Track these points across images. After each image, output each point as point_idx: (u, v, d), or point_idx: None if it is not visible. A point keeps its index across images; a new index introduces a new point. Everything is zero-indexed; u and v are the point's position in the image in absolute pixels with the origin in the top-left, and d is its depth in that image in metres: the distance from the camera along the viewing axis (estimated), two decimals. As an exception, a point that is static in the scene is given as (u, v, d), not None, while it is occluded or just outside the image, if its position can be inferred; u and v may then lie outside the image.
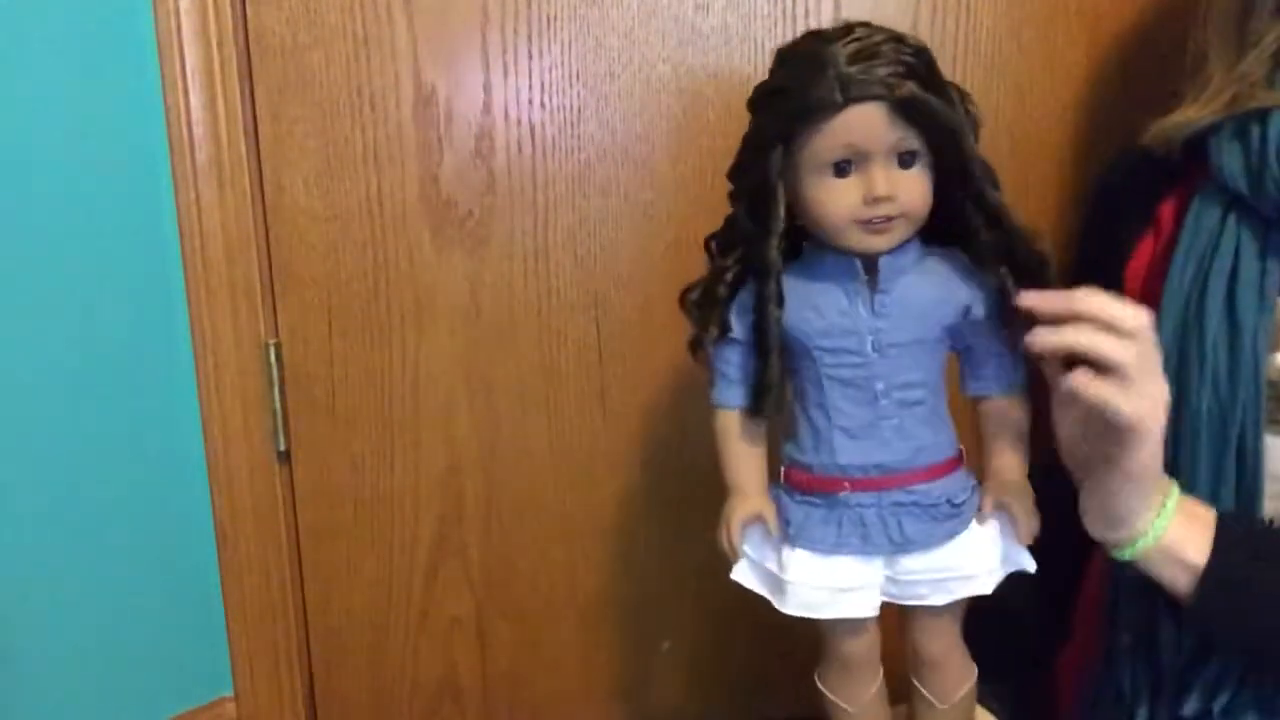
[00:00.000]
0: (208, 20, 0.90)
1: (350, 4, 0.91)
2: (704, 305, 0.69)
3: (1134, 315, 0.59)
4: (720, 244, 0.71)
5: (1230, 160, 0.70)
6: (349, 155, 0.95)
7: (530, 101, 0.95)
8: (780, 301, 0.66)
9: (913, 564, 0.68)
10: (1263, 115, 0.69)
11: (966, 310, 0.67)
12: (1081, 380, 0.59)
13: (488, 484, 1.04)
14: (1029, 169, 0.99)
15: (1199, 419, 0.68)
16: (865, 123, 0.61)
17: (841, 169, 0.63)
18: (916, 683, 0.75)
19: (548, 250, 0.98)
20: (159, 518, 1.01)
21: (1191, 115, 0.72)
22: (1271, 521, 0.68)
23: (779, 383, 0.67)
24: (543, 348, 1.01)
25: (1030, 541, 0.68)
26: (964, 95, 0.65)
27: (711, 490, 1.03)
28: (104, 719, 1.01)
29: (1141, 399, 0.59)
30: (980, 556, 0.68)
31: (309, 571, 1.06)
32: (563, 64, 0.94)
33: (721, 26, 0.95)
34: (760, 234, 0.65)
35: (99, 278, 0.93)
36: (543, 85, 0.95)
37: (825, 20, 0.95)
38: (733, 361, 0.70)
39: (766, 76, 0.67)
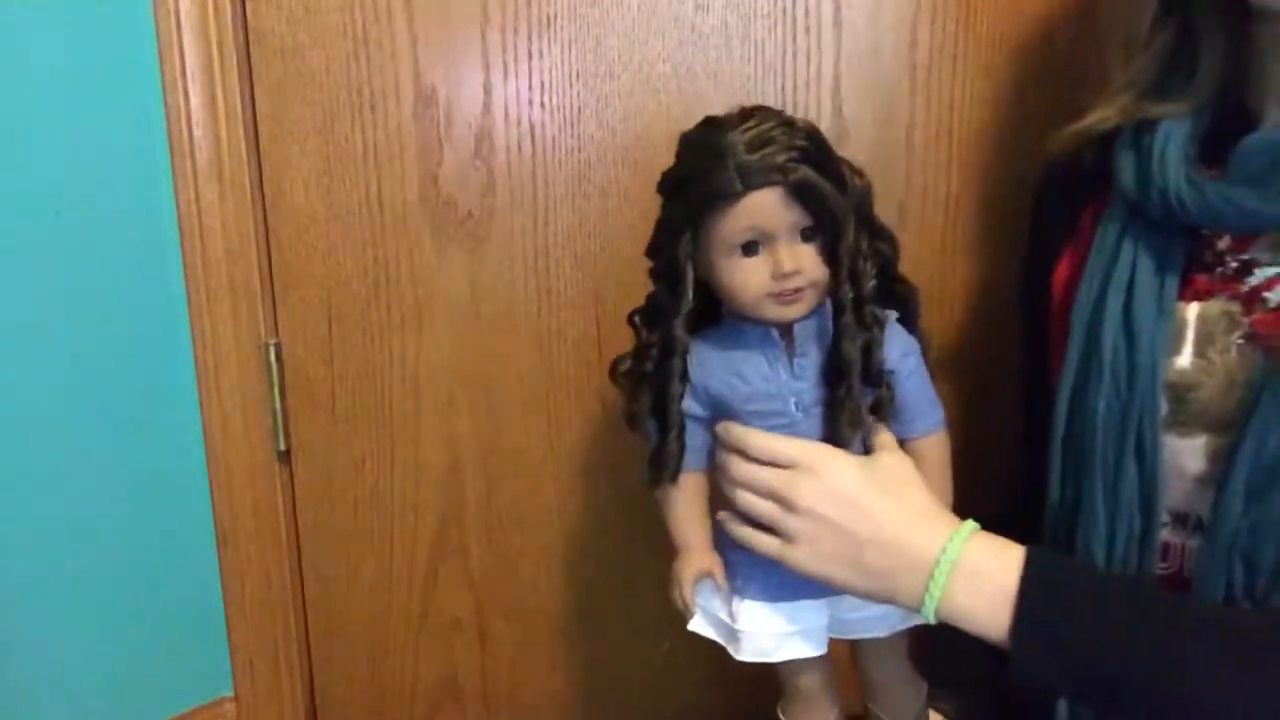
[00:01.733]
0: (208, 20, 0.90)
1: (350, 4, 0.91)
2: (633, 379, 0.74)
3: (783, 450, 0.68)
4: (645, 319, 0.75)
5: (1124, 169, 0.70)
6: (349, 155, 0.95)
7: (530, 101, 0.95)
8: (685, 376, 0.71)
9: (854, 602, 0.72)
10: (1154, 123, 0.69)
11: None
12: (729, 522, 0.71)
13: (488, 484, 1.04)
14: (1029, 172, 0.99)
15: (1096, 417, 0.68)
16: (765, 207, 0.65)
17: (749, 249, 0.67)
18: (873, 707, 0.81)
19: (548, 250, 0.98)
20: (159, 518, 1.01)
21: (1086, 123, 0.73)
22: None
23: (679, 453, 0.72)
24: (542, 347, 1.01)
25: None
26: (854, 170, 0.72)
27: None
28: (104, 719, 1.01)
29: (799, 511, 0.66)
30: None
31: (309, 571, 1.06)
32: (563, 64, 0.94)
33: (721, 26, 0.95)
34: (671, 310, 0.70)
35: (99, 278, 0.93)
36: (543, 85, 0.95)
37: (825, 20, 0.95)
38: None
39: (672, 162, 0.71)
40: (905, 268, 1.03)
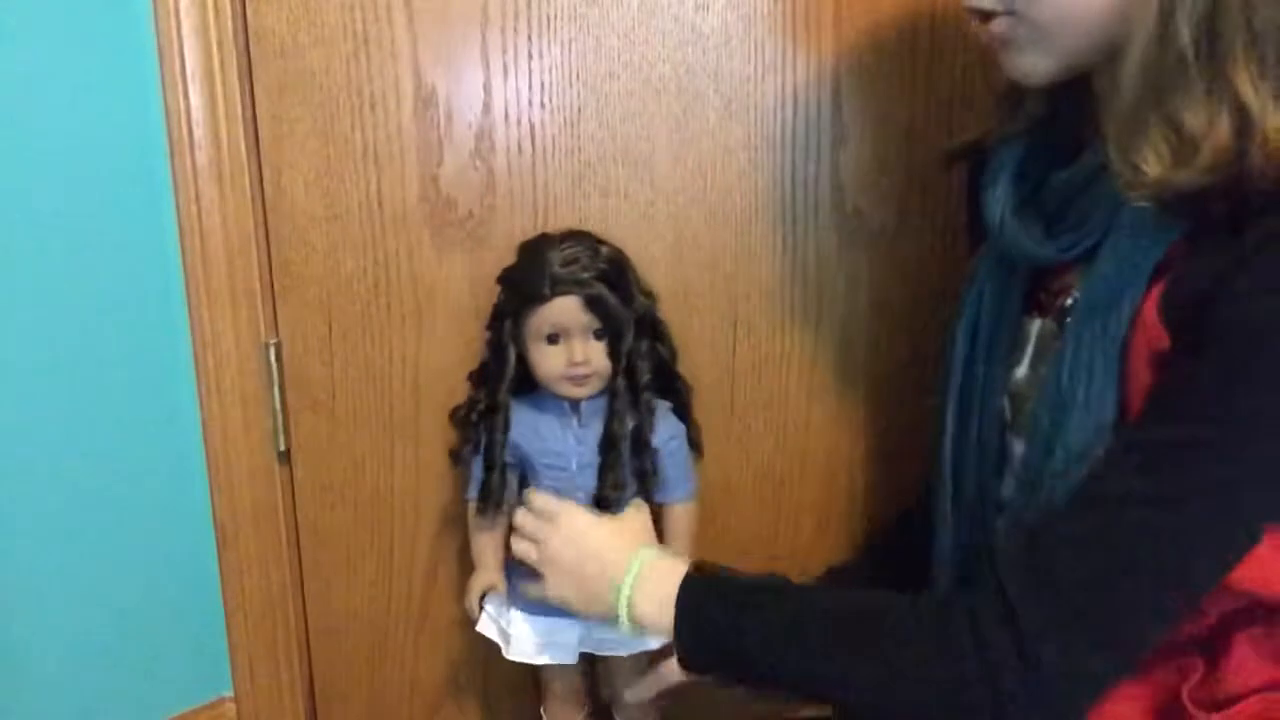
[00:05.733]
0: (208, 20, 0.90)
1: (350, 4, 0.91)
2: (463, 426, 0.93)
3: (547, 507, 0.84)
4: (476, 380, 0.94)
5: (982, 192, 0.75)
6: (349, 155, 0.95)
7: (530, 101, 0.95)
8: (506, 428, 0.90)
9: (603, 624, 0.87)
10: (1000, 148, 0.75)
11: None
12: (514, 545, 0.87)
13: (488, 484, 1.04)
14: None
15: (945, 414, 0.78)
16: (566, 309, 0.85)
17: (552, 339, 0.87)
18: (618, 717, 1.01)
19: (548, 250, 0.98)
20: (159, 518, 1.01)
21: (957, 142, 0.83)
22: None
23: (500, 487, 0.91)
24: (543, 348, 1.01)
25: None
26: (643, 290, 0.91)
27: (709, 488, 1.03)
28: (104, 719, 1.01)
29: (548, 551, 0.82)
30: None
31: (309, 571, 1.06)
32: (563, 64, 0.94)
33: (721, 26, 0.95)
34: (497, 378, 0.90)
35: (99, 278, 0.93)
36: (543, 85, 0.95)
37: (826, 21, 0.95)
38: (480, 468, 0.92)
39: (514, 261, 0.90)
40: (907, 264, 1.04)
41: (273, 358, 0.99)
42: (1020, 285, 0.73)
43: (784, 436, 1.06)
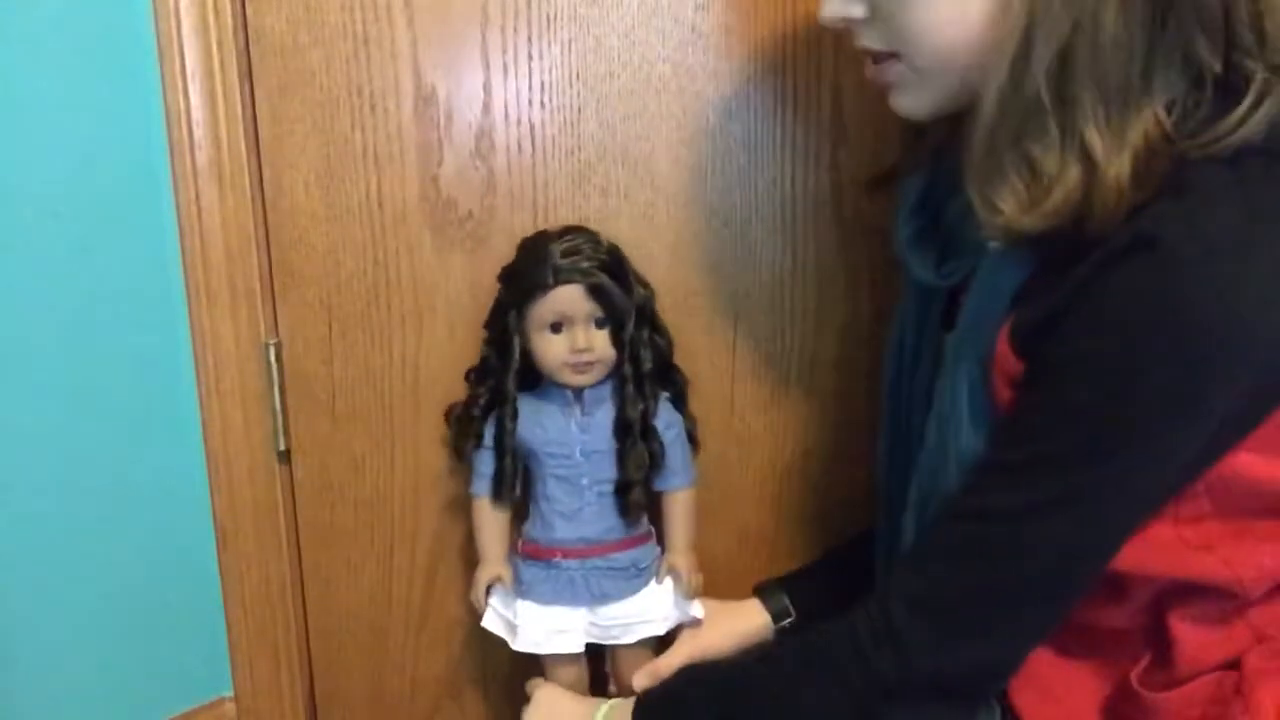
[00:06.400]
0: (208, 20, 0.90)
1: (350, 4, 0.91)
2: (463, 421, 0.95)
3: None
4: (476, 376, 0.95)
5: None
6: (349, 155, 0.95)
7: (530, 101, 0.95)
8: (515, 418, 0.91)
9: (609, 612, 0.93)
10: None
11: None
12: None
13: (488, 484, 1.04)
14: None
15: (880, 426, 0.86)
16: (569, 298, 0.87)
17: (555, 328, 0.88)
18: None
19: (548, 250, 0.98)
20: (159, 518, 1.01)
21: (884, 169, 0.87)
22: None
23: (512, 479, 0.92)
24: (543, 348, 1.01)
25: (696, 596, 0.95)
26: (641, 281, 0.93)
27: (709, 488, 1.03)
28: (104, 719, 1.01)
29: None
30: (658, 607, 0.94)
31: (309, 571, 1.06)
32: (563, 64, 0.94)
33: (721, 26, 0.95)
34: (502, 371, 0.91)
35: (99, 278, 0.93)
36: (543, 85, 0.95)
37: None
38: (486, 462, 0.94)
39: (512, 259, 0.92)
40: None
41: (273, 358, 0.99)
42: (939, 302, 0.77)
43: (784, 436, 1.06)
